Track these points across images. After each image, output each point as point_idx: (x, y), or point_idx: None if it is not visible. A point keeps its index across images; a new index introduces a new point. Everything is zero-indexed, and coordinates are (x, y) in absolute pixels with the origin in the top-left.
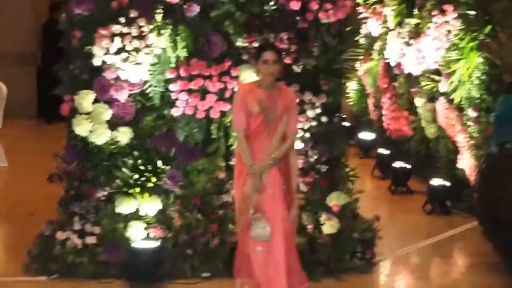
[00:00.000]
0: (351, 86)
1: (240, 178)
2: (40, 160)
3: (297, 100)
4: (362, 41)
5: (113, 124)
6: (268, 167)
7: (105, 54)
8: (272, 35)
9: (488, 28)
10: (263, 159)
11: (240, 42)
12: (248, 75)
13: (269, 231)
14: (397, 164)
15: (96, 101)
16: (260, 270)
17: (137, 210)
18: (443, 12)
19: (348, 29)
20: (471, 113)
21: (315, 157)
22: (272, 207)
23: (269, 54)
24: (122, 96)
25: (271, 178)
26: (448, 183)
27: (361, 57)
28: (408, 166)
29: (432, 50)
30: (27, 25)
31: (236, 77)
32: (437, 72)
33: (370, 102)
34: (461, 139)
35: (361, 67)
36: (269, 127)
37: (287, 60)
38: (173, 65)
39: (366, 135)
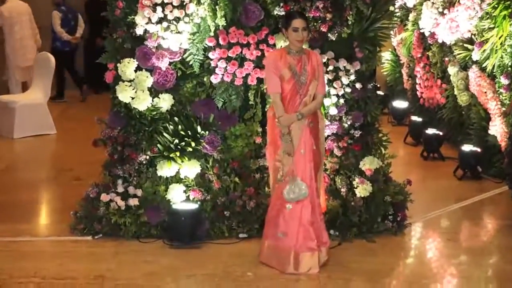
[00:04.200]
0: (386, 56)
1: (272, 144)
2: (86, 128)
3: (332, 67)
4: (396, 11)
5: (154, 91)
6: (294, 120)
7: (147, 23)
8: (308, 4)
9: None
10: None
11: (277, 11)
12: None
13: (305, 190)
14: (430, 131)
15: (138, 69)
16: (284, 225)
17: (177, 173)
18: None
19: None
20: (503, 80)
21: (349, 122)
22: (303, 166)
23: (298, 22)
24: (163, 64)
25: (303, 138)
26: (479, 149)
27: (395, 26)
28: (440, 133)
29: (465, 19)
30: (76, 2)
31: (273, 45)
32: (470, 41)
33: (404, 71)
34: (493, 106)
35: (395, 38)
36: (301, 90)
37: (323, 28)
38: (212, 34)
39: (400, 104)
